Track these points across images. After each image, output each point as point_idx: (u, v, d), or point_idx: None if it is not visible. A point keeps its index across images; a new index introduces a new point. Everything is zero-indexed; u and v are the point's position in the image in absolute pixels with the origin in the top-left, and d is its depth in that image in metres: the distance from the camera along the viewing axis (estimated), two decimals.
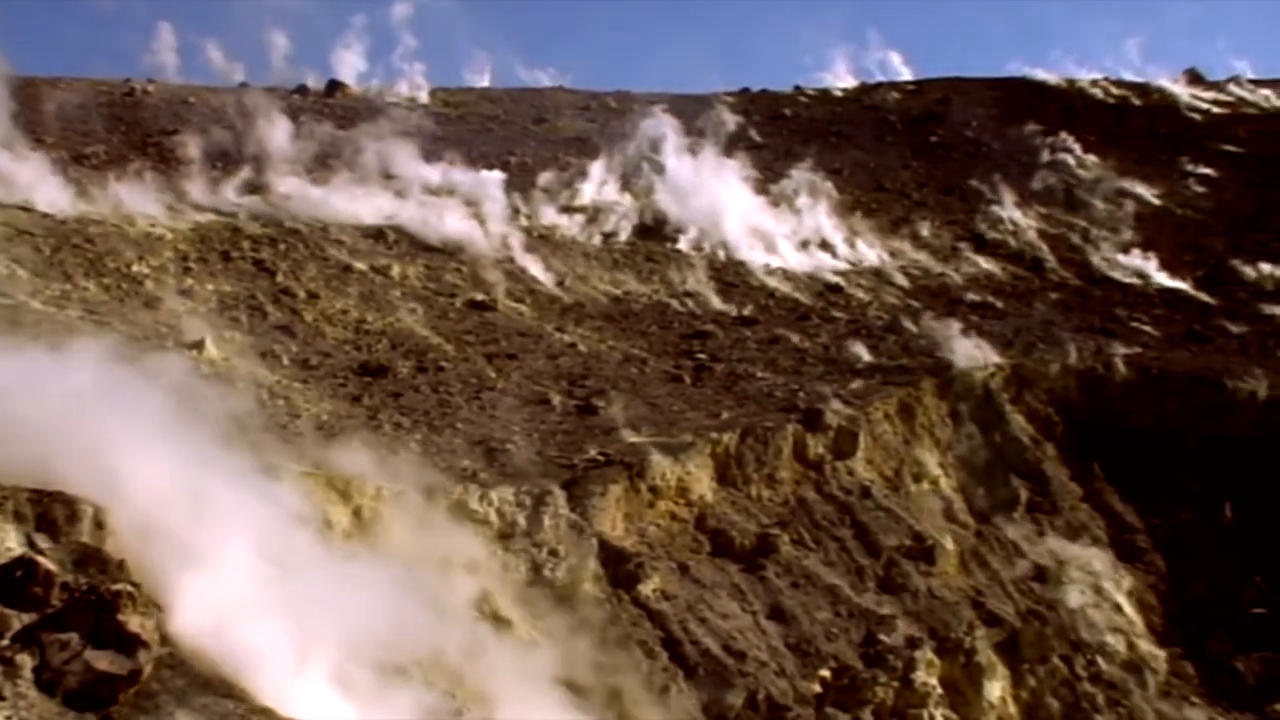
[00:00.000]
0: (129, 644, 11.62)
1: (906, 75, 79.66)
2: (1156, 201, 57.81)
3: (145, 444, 14.41)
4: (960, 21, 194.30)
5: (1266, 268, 48.54)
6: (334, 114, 55.18)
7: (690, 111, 57.31)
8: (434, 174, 45.99)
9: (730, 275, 44.30)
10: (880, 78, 79.10)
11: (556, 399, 29.99)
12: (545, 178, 49.16)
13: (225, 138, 47.57)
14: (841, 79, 78.52)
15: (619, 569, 23.37)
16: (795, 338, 37.87)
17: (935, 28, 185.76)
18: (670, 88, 62.61)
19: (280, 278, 34.88)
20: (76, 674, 11.32)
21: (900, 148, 63.46)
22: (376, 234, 40.23)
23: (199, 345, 27.67)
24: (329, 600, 14.89)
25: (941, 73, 77.55)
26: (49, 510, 13.20)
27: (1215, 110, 72.45)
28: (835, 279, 45.55)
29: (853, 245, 49.50)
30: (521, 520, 23.08)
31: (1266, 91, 76.35)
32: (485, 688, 18.54)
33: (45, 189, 35.57)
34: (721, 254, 46.08)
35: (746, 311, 40.67)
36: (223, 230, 37.26)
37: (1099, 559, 30.75)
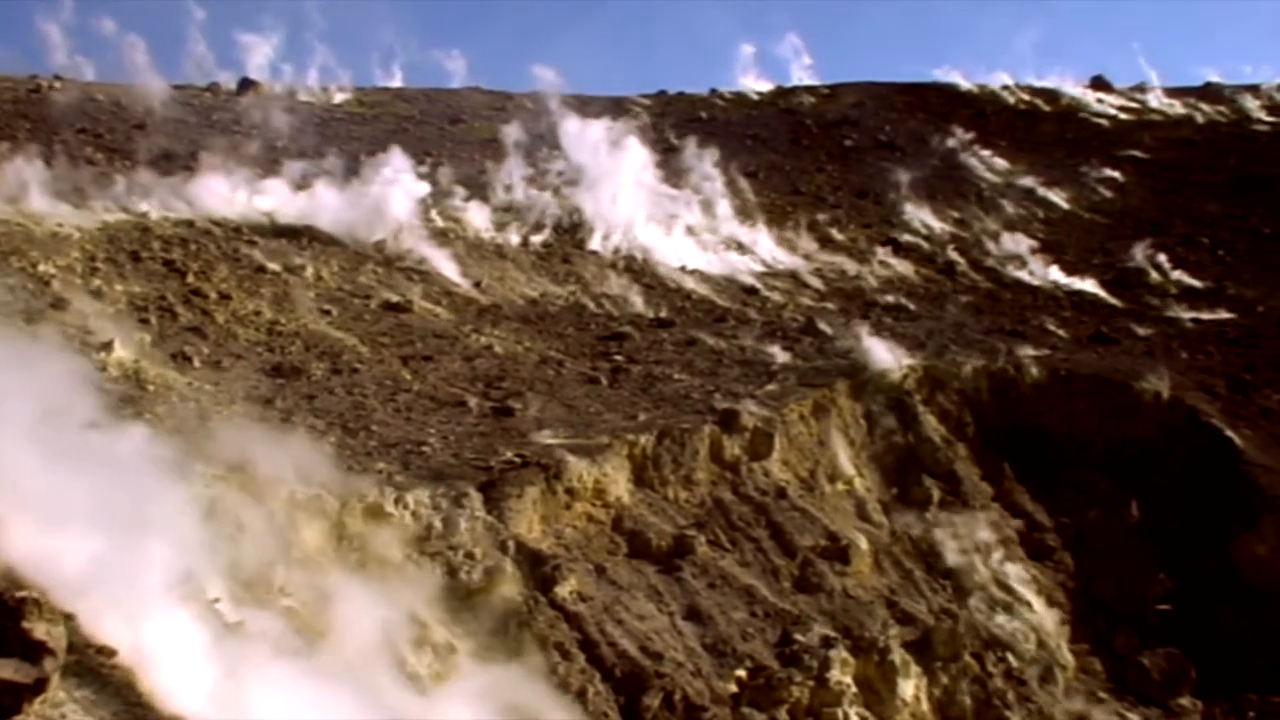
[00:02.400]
0: (34, 652, 11.37)
1: (808, 61, 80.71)
2: (1065, 205, 58.95)
3: None
4: (854, 15, 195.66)
5: (1171, 271, 49.68)
6: (246, 113, 54.55)
7: (606, 114, 57.41)
8: (348, 174, 45.58)
9: (647, 277, 44.40)
10: (792, 66, 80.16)
11: (473, 401, 29.85)
12: (461, 178, 48.93)
13: (135, 136, 46.89)
14: (748, 70, 79.40)
15: (536, 571, 23.30)
16: (711, 340, 38.02)
17: (829, 22, 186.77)
18: (581, 84, 62.69)
19: (191, 278, 34.34)
20: None
21: (815, 151, 64.14)
22: (290, 234, 39.78)
23: (107, 347, 27.20)
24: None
25: (836, 68, 79.14)
26: None
27: (1122, 117, 74.02)
28: (751, 281, 45.83)
29: (768, 248, 49.85)
30: (438, 523, 22.94)
31: (1169, 99, 78.13)
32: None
33: None
34: (638, 256, 46.17)
35: (663, 313, 40.76)
36: (132, 230, 36.64)
37: (1009, 558, 31.15)
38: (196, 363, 29.01)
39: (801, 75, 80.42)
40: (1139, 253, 51.00)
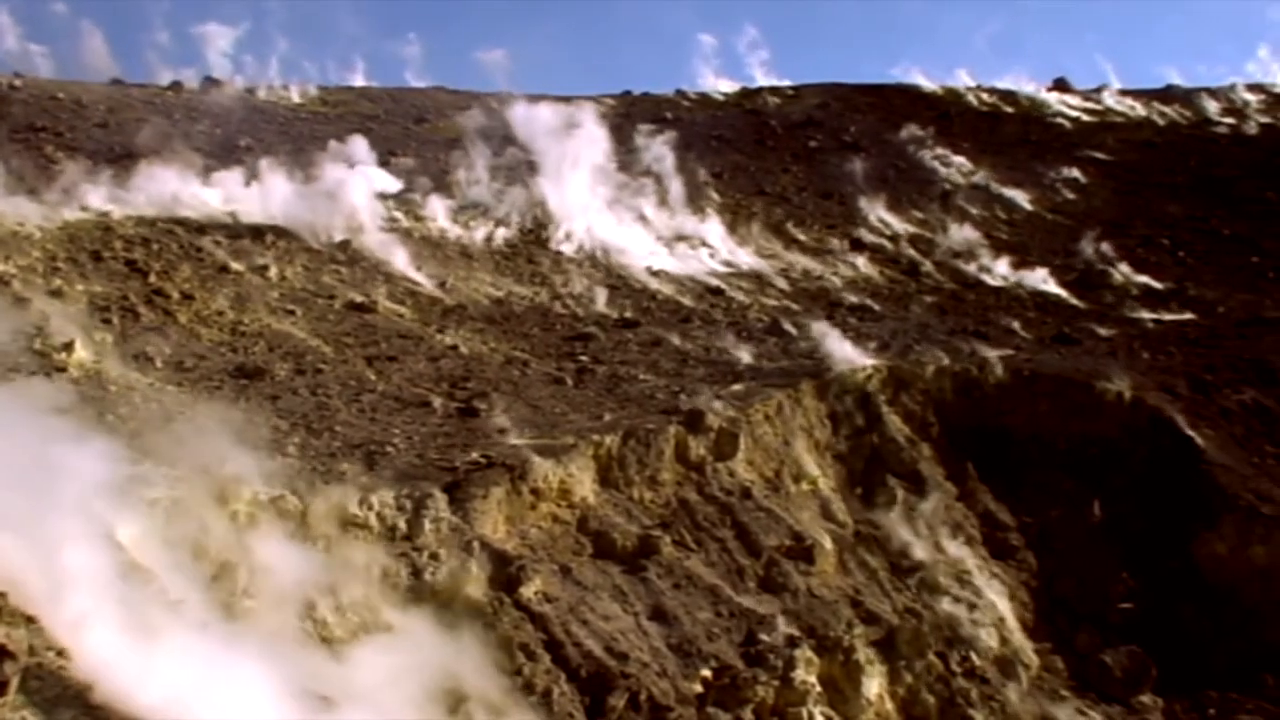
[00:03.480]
0: None
1: (765, 55, 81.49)
2: (1028, 206, 59.29)
3: None
4: (813, 10, 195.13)
5: (1119, 261, 50.14)
6: (209, 111, 54.27)
7: (571, 114, 57.34)
8: (312, 173, 45.34)
9: (612, 277, 44.39)
10: (748, 60, 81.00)
11: (437, 401, 29.76)
12: (426, 178, 48.79)
13: (97, 135, 46.56)
14: (708, 62, 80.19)
15: (501, 572, 23.26)
16: (677, 340, 38.05)
17: (788, 17, 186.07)
18: (543, 84, 62.77)
19: (153, 278, 34.12)
20: None
21: (780, 152, 64.27)
22: (253, 234, 39.58)
23: (68, 347, 26.99)
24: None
25: (795, 63, 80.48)
26: None
27: (1084, 118, 74.57)
28: (716, 281, 45.88)
29: (733, 248, 49.94)
30: (402, 524, 22.88)
31: (1130, 100, 78.79)
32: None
33: None
34: (603, 256, 46.17)
35: (628, 314, 40.76)
36: (93, 229, 36.39)
37: (973, 557, 31.30)
38: (159, 363, 28.83)
39: (759, 71, 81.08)
40: (1087, 246, 51.62)
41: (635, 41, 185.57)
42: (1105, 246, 52.01)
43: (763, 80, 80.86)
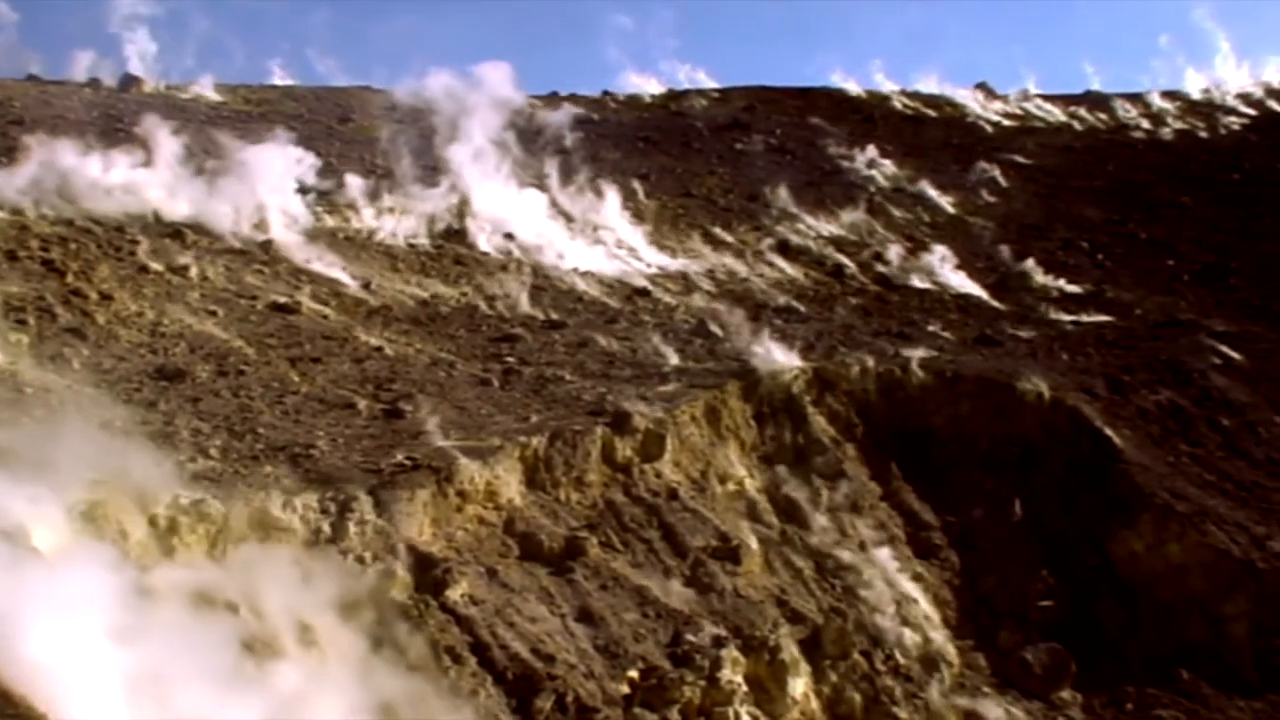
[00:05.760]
0: None
1: (675, 43, 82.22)
2: (950, 209, 59.95)
3: None
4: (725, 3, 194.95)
5: (1051, 275, 50.85)
6: (130, 109, 53.46)
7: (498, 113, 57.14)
8: (234, 171, 44.76)
9: (538, 279, 44.24)
10: (662, 55, 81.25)
11: (362, 403, 29.54)
12: (350, 178, 48.34)
13: (12, 132, 45.69)
14: (621, 43, 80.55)
15: (426, 575, 23.14)
16: (603, 341, 38.02)
17: (700, 7, 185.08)
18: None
19: (71, 278, 33.53)
20: None
21: (706, 155, 64.50)
22: (174, 233, 39.03)
23: None
24: None
25: (707, 53, 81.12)
26: None
27: (1005, 123, 75.66)
28: (643, 282, 45.91)
29: (660, 250, 50.03)
30: (326, 527, 22.69)
31: (1050, 105, 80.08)
32: None
33: None
34: (529, 257, 46.02)
35: (555, 315, 40.67)
36: (8, 228, 35.71)
37: (896, 556, 31.53)
38: (76, 365, 28.36)
39: (674, 63, 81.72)
40: (1007, 249, 52.42)
41: (546, 24, 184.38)
42: (1026, 249, 52.75)
43: (683, 76, 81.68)
